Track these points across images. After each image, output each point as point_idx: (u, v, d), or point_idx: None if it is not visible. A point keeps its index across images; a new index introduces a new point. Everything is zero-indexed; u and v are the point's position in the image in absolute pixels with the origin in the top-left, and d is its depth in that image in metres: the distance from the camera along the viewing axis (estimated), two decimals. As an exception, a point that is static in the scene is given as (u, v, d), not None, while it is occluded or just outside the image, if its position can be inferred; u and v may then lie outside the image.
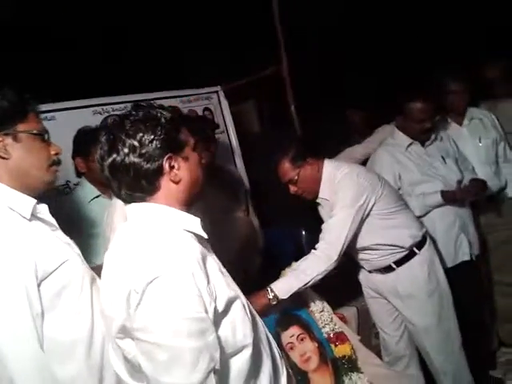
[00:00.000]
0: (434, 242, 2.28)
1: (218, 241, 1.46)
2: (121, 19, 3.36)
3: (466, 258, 2.42)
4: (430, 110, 2.37)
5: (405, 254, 2.11)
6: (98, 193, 2.15)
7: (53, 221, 1.30)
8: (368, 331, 2.38)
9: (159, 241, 1.03)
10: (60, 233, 1.31)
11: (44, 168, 1.28)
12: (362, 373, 1.88)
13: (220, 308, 1.03)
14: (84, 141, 2.11)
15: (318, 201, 2.17)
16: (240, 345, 1.06)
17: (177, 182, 1.10)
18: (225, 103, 3.20)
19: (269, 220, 2.83)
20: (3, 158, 1.22)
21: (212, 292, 1.02)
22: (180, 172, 1.10)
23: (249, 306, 1.17)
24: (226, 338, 1.04)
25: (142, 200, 1.09)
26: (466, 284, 2.39)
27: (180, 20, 3.59)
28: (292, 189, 2.09)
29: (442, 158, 2.46)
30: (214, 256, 1.18)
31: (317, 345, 1.96)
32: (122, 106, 2.63)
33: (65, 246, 1.27)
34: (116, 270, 1.05)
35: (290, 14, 3.14)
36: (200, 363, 0.95)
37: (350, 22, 3.68)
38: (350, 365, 1.89)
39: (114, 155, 1.05)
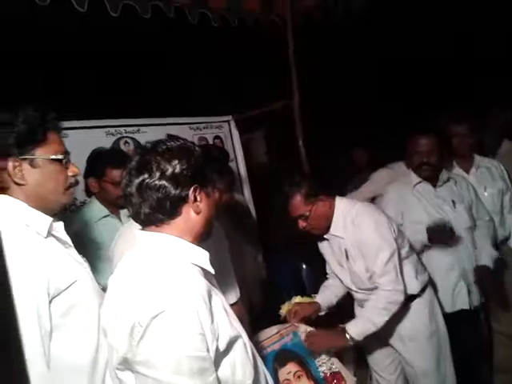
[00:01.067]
0: (433, 285, 2.28)
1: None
2: (145, 43, 3.43)
3: (465, 306, 2.39)
4: (431, 144, 2.37)
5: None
6: (108, 212, 2.17)
7: (67, 239, 1.30)
8: (364, 373, 2.35)
9: (166, 273, 1.03)
10: (73, 251, 1.31)
11: (61, 192, 1.27)
12: (357, 416, 1.86)
13: (222, 347, 1.02)
14: (98, 161, 2.13)
15: (326, 237, 2.16)
16: None
17: (197, 213, 1.13)
18: (235, 133, 3.25)
19: (271, 252, 2.84)
20: (19, 185, 1.20)
21: (215, 331, 1.01)
22: (201, 205, 1.13)
23: (250, 346, 1.16)
24: (226, 377, 1.03)
25: (161, 222, 1.11)
26: (464, 333, 2.36)
27: (197, 48, 3.68)
28: (301, 224, 2.05)
29: (453, 201, 2.44)
30: (219, 292, 1.18)
31: (313, 383, 1.94)
32: (136, 128, 2.68)
33: (77, 265, 1.27)
34: (120, 299, 1.05)
35: (305, 50, 3.22)
36: None
37: (361, 64, 3.79)
38: (347, 407, 1.86)
39: (146, 175, 1.08)
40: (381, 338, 2.18)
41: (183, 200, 1.11)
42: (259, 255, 2.68)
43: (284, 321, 2.22)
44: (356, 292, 2.16)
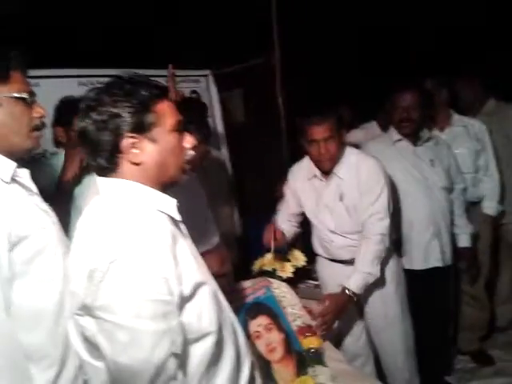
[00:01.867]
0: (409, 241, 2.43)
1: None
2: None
3: (438, 264, 2.46)
4: (412, 99, 2.39)
5: None
6: None
7: (32, 186, 1.26)
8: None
9: (129, 219, 1.01)
10: (38, 198, 1.27)
11: (25, 134, 1.22)
12: (326, 366, 1.91)
13: (186, 292, 1.01)
14: (66, 110, 2.05)
15: (321, 178, 2.19)
16: (204, 331, 1.05)
17: (137, 164, 1.07)
18: (213, 88, 3.17)
19: (246, 208, 2.84)
20: None
21: (179, 275, 1.00)
22: (143, 154, 1.06)
23: (217, 293, 1.16)
24: (191, 323, 1.02)
25: (105, 175, 1.08)
26: (435, 290, 2.45)
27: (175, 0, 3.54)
28: (323, 148, 2.04)
29: (431, 161, 2.47)
30: (189, 239, 1.16)
31: (283, 336, 1.98)
32: (109, 79, 2.58)
33: (41, 213, 1.24)
34: (83, 244, 1.03)
35: (288, 4, 3.13)
36: (160, 346, 0.94)
37: (344, 17, 3.70)
38: (317, 357, 1.91)
39: (82, 123, 1.05)
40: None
41: (116, 151, 1.05)
42: (235, 212, 2.67)
43: (257, 276, 2.27)
44: (335, 235, 2.21)
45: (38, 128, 1.26)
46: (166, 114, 1.09)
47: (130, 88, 1.06)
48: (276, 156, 3.30)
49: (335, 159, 2.11)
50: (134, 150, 1.05)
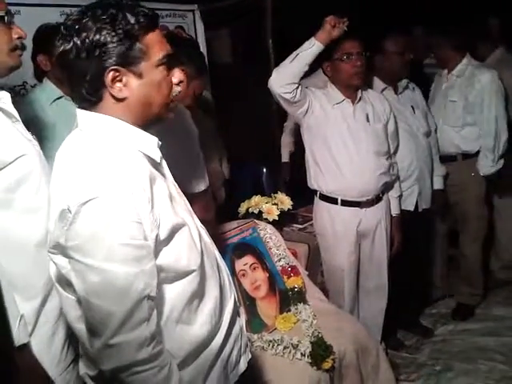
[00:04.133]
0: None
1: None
2: None
3: (410, 208, 2.52)
4: (406, 42, 2.41)
5: None
6: (61, 93, 2.01)
7: (14, 112, 1.20)
8: (316, 269, 2.48)
9: (105, 158, 0.96)
10: (21, 126, 1.22)
11: (5, 52, 1.17)
12: (308, 305, 1.98)
13: (163, 235, 0.99)
14: (47, 36, 1.93)
15: (348, 102, 2.19)
16: (183, 270, 1.04)
17: (120, 100, 1.00)
18: (200, 24, 3.04)
19: (231, 155, 2.81)
20: None
21: (156, 218, 0.97)
22: (127, 89, 0.99)
23: (201, 232, 1.14)
24: (169, 265, 1.01)
25: (86, 108, 1.02)
26: (408, 231, 2.48)
27: None
28: (359, 60, 2.11)
29: (412, 107, 2.51)
30: (169, 179, 1.12)
31: (267, 275, 2.04)
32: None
33: (24, 140, 1.19)
34: (57, 180, 1.00)
35: None
36: (133, 289, 0.93)
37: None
38: (299, 296, 1.98)
39: (62, 47, 0.97)
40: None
41: (99, 83, 0.97)
42: (224, 156, 2.64)
43: (243, 218, 2.30)
44: (371, 157, 2.18)
45: (19, 48, 1.21)
46: (154, 46, 1.01)
47: (117, 14, 0.96)
48: (264, 100, 3.24)
49: (365, 76, 2.18)
50: (117, 84, 0.98)
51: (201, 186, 1.55)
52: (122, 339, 0.94)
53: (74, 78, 0.98)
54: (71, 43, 0.95)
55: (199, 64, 1.72)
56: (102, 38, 0.94)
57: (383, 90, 2.46)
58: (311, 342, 1.77)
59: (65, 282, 1.02)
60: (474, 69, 2.68)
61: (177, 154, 1.31)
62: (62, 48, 0.97)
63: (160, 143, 1.07)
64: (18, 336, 1.13)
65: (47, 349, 1.22)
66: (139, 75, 1.00)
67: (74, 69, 0.97)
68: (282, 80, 2.03)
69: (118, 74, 0.97)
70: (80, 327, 1.03)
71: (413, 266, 2.58)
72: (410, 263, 2.53)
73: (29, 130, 1.28)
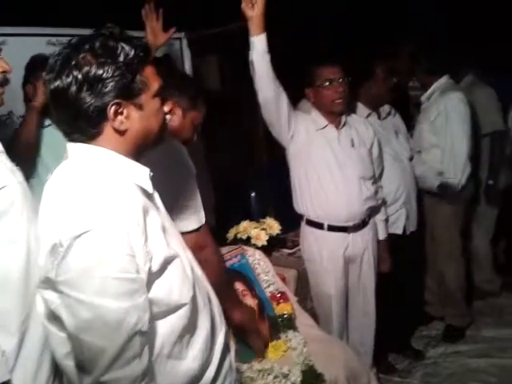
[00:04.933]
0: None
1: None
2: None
3: (398, 231, 2.55)
4: (393, 67, 2.48)
5: None
6: (50, 122, 1.99)
7: None
8: (305, 294, 2.47)
9: (97, 190, 0.96)
10: (4, 157, 1.20)
11: None
12: (298, 332, 1.96)
13: (155, 267, 0.98)
14: (38, 66, 1.94)
15: (331, 129, 2.21)
16: (175, 304, 1.03)
17: (121, 132, 1.00)
18: (187, 52, 3.08)
19: (220, 180, 2.82)
20: None
21: (149, 251, 0.96)
22: (128, 121, 1.00)
23: (192, 264, 1.13)
24: (161, 298, 1.00)
25: (81, 142, 1.01)
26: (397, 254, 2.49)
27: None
28: (341, 86, 2.13)
29: (395, 133, 2.57)
30: (162, 210, 1.12)
31: (257, 302, 2.02)
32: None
33: (6, 172, 1.17)
34: (48, 214, 0.98)
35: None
36: (124, 324, 0.91)
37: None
38: (289, 323, 1.96)
39: (58, 82, 0.95)
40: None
41: (101, 117, 0.97)
42: (209, 182, 2.65)
43: (232, 244, 2.29)
44: (356, 182, 2.19)
45: (1, 84, 1.19)
46: (151, 77, 1.02)
47: (116, 47, 0.97)
48: (252, 126, 3.26)
49: (347, 101, 2.20)
50: (119, 117, 0.99)
51: (193, 224, 1.51)
52: (113, 376, 0.92)
53: (74, 111, 0.97)
54: (70, 77, 0.95)
55: (192, 94, 1.66)
56: (105, 72, 0.95)
57: (368, 116, 2.50)
58: (302, 371, 1.75)
59: (54, 318, 0.99)
60: (440, 92, 2.73)
61: (171, 192, 1.30)
62: (58, 82, 0.96)
63: (152, 174, 1.07)
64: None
65: (31, 385, 1.19)
66: (139, 107, 1.01)
67: (75, 103, 0.96)
68: (264, 87, 2.05)
69: (119, 107, 0.98)
70: (69, 364, 1.00)
71: (402, 289, 2.58)
72: (399, 286, 2.53)
73: (13, 160, 1.28)
